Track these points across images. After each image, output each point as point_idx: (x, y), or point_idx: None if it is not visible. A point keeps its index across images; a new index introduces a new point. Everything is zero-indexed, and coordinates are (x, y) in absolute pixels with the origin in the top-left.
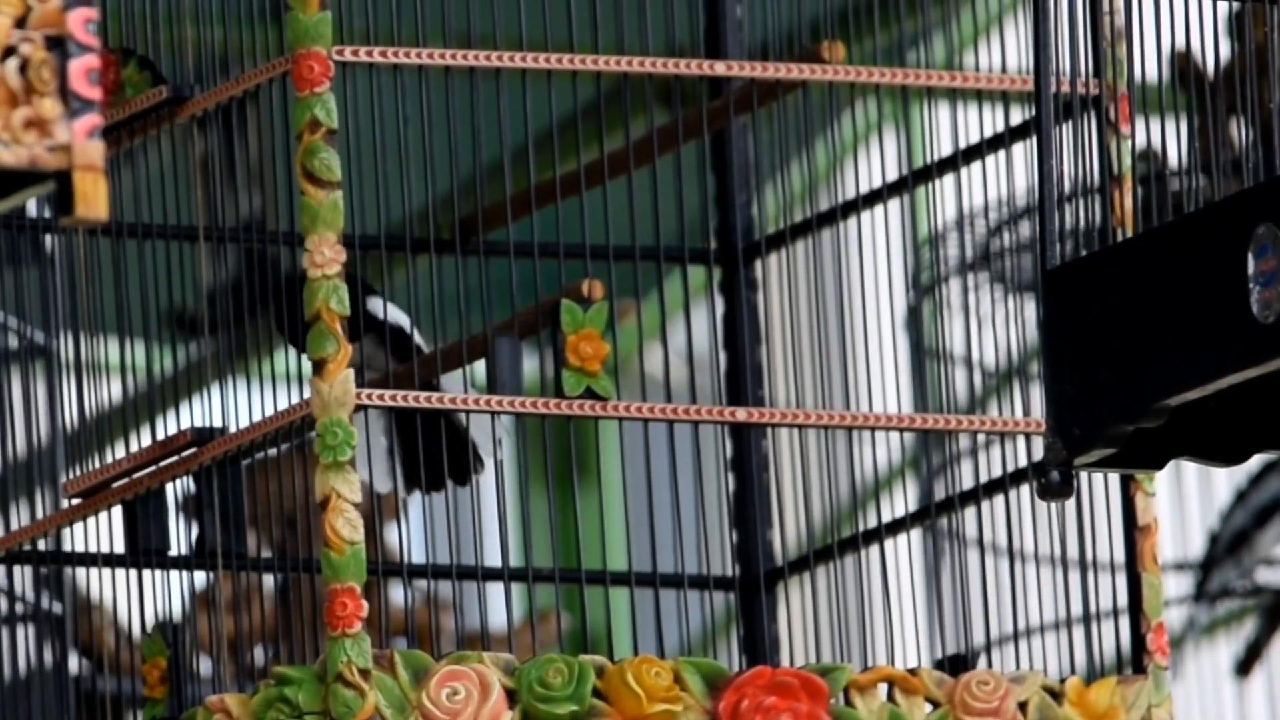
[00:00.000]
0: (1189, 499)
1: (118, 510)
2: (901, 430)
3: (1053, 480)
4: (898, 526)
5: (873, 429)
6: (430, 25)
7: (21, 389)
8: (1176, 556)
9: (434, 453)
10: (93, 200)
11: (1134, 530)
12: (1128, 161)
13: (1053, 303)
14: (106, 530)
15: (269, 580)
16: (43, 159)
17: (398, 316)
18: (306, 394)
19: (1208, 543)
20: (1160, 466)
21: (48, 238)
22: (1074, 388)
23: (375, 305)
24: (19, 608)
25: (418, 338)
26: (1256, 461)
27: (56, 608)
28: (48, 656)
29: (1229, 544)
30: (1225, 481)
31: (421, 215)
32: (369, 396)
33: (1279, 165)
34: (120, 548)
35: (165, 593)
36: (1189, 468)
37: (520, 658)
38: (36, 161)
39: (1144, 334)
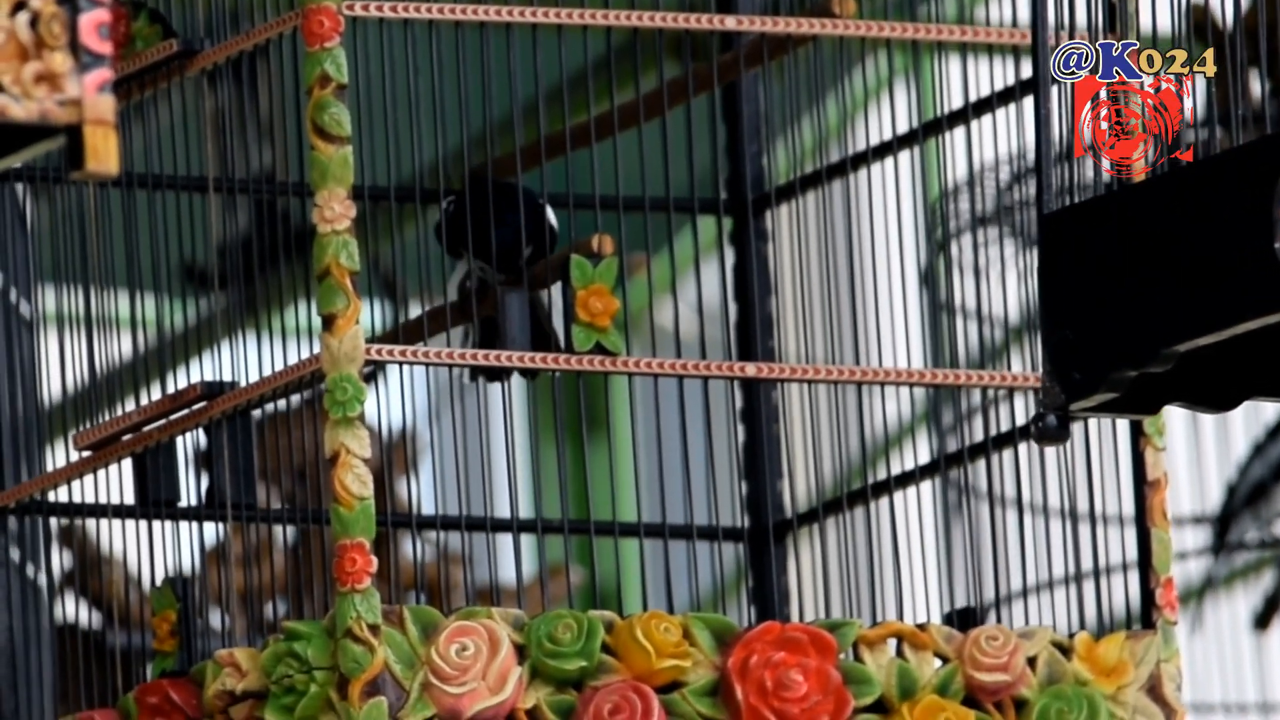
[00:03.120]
0: (1206, 452)
1: (128, 463)
2: (912, 385)
3: (1049, 425)
4: (908, 480)
5: (883, 384)
6: None
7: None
8: (1194, 509)
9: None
10: (103, 155)
11: (1144, 485)
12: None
13: (1050, 248)
14: (117, 483)
15: (279, 534)
16: (53, 113)
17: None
18: (316, 348)
19: (1225, 495)
20: (1153, 412)
21: (20, 187)
22: (1073, 332)
23: (552, 218)
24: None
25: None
26: (1274, 414)
27: (50, 564)
28: (45, 613)
29: (1247, 496)
30: (1243, 434)
31: (432, 168)
32: (379, 351)
33: None
34: (130, 500)
35: (175, 545)
36: (1206, 420)
37: (530, 613)
38: (47, 116)
39: (1152, 279)
